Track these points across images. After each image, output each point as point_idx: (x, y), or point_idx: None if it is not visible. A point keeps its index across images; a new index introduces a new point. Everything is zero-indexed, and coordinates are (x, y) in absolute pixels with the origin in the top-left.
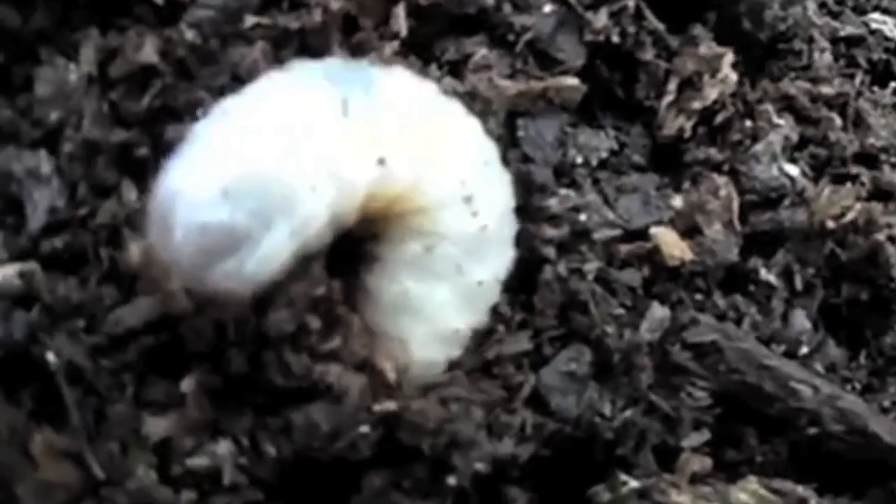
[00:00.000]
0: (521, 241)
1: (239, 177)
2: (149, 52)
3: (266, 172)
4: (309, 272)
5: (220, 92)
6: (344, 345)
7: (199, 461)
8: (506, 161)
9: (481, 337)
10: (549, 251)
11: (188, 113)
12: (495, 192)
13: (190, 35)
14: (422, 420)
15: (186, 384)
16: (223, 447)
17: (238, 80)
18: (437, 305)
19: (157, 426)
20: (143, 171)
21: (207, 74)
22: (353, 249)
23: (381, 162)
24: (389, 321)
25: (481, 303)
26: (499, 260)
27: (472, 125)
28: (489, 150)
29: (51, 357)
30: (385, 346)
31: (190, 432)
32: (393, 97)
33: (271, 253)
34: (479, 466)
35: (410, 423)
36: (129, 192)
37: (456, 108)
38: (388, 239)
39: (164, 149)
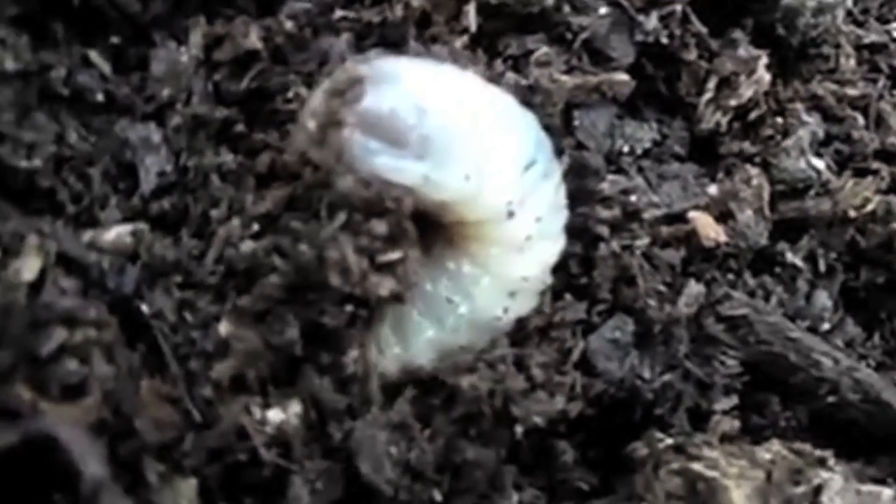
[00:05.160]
0: (578, 221)
1: (442, 114)
2: (253, 38)
3: (460, 132)
4: None
5: (309, 76)
6: (403, 262)
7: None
8: (561, 149)
9: (550, 300)
10: (604, 230)
11: (279, 94)
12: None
13: (288, 25)
14: (476, 386)
15: (223, 327)
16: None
17: (324, 66)
18: (481, 293)
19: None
20: (239, 145)
21: (299, 60)
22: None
23: (510, 214)
24: (438, 291)
25: (526, 294)
26: (544, 254)
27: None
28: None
29: (145, 309)
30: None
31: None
32: (553, 187)
33: (397, 171)
34: (537, 420)
35: (467, 389)
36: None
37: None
38: (455, 232)
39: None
